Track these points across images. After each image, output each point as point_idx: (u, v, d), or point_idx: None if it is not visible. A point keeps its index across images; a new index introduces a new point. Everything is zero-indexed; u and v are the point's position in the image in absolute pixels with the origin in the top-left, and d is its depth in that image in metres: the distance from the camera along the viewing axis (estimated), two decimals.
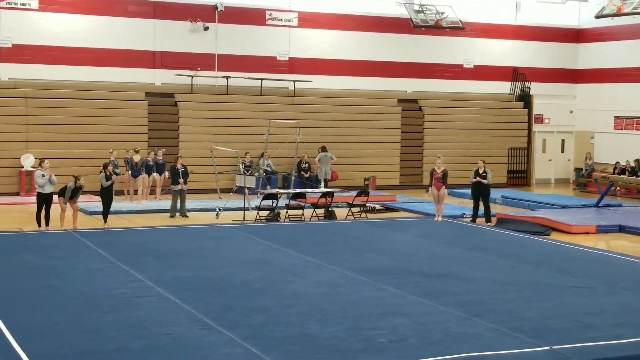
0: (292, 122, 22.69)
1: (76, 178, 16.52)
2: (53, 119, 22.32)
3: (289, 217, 18.65)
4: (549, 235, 17.33)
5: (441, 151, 24.11)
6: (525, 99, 28.46)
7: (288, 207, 18.87)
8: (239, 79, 24.31)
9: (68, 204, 16.61)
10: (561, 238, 16.79)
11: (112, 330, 9.00)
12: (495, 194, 21.06)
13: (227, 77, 24.22)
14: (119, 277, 11.88)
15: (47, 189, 16.46)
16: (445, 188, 18.42)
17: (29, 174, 21.06)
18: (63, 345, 8.49)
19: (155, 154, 21.58)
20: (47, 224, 16.53)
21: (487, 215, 18.63)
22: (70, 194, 16.49)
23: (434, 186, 18.26)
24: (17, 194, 21.64)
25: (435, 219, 18.44)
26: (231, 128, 24.05)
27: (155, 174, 21.41)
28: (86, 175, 17.47)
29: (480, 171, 18.52)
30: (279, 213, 18.71)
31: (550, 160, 29.26)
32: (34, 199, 17.29)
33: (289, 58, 25.39)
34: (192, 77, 23.99)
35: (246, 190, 19.47)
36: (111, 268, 12.50)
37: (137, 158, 21.15)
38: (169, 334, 8.89)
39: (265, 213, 18.60)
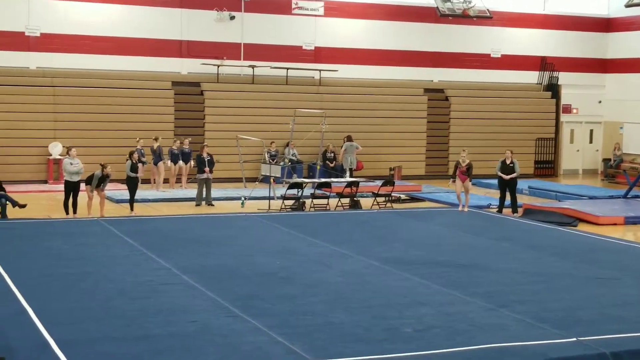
0: (317, 111, 22.68)
1: (103, 166, 16.64)
2: (80, 108, 22.47)
3: (314, 207, 18.66)
4: (576, 226, 17.18)
5: (467, 141, 24.05)
6: (553, 88, 28.19)
7: (313, 196, 18.88)
8: (265, 68, 24.33)
9: (95, 192, 16.74)
10: (588, 229, 16.65)
11: (139, 317, 9.08)
12: (522, 184, 20.90)
13: (253, 67, 24.24)
14: (146, 264, 11.98)
15: (75, 177, 16.60)
16: (470, 181, 18.34)
17: (57, 162, 21.27)
18: (90, 331, 8.57)
19: (181, 143, 21.69)
20: (74, 211, 16.67)
21: (514, 206, 18.51)
22: (97, 182, 16.62)
23: (458, 178, 18.18)
24: (45, 181, 21.87)
25: (459, 209, 18.36)
26: (257, 117, 24.08)
27: (181, 163, 21.52)
28: (113, 163, 17.60)
29: (508, 162, 18.38)
30: (304, 202, 18.72)
31: (578, 150, 28.97)
32: (61, 186, 17.46)
33: (315, 47, 25.35)
34: (218, 67, 24.05)
35: (271, 180, 19.50)
36: (138, 256, 12.60)
37: (154, 145, 21.21)
38: (194, 321, 8.94)
39: (290, 202, 18.62)
